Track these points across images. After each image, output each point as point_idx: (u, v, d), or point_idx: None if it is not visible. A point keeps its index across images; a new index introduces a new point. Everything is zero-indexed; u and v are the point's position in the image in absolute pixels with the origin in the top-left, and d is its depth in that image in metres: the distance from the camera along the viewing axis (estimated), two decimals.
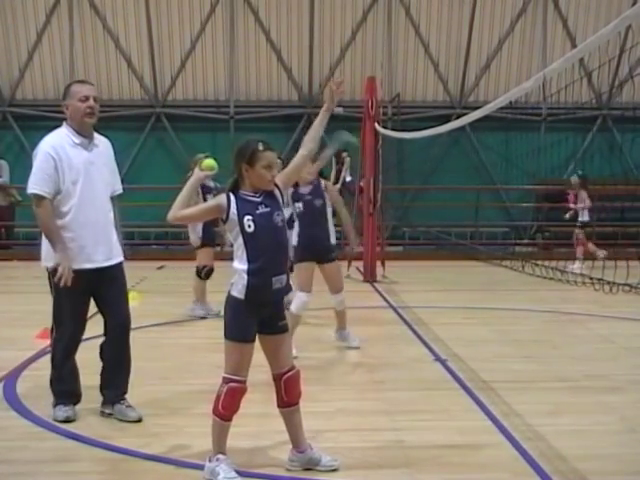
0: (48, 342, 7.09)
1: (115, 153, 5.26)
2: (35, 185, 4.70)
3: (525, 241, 18.00)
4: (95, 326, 8.01)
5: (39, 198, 4.69)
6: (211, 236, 8.80)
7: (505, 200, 18.42)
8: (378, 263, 12.51)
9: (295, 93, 18.15)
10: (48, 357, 6.61)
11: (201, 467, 4.03)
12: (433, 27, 17.96)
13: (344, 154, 16.69)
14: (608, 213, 16.87)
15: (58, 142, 4.80)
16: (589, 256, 13.07)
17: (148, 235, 17.06)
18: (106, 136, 5.15)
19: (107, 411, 4.93)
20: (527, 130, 17.62)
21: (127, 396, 5.04)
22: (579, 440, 4.49)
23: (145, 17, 17.30)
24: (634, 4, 16.88)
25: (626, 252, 11.77)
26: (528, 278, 12.48)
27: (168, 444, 4.38)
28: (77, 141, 4.83)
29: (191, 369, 6.29)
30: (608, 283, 9.04)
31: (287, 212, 4.38)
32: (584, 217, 13.82)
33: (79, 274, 4.71)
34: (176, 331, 7.98)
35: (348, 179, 16.21)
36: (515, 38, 18.14)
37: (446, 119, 13.47)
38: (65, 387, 4.96)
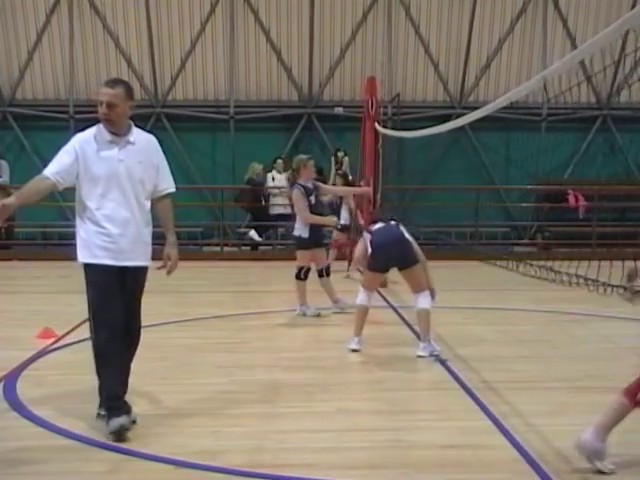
0: (48, 342, 7.13)
1: None
2: (47, 168, 4.81)
3: (525, 241, 18.00)
4: None
5: (42, 174, 4.77)
6: (315, 238, 8.90)
7: (505, 200, 18.42)
8: None
9: (295, 93, 18.15)
10: (48, 357, 6.68)
11: (201, 467, 4.04)
12: (433, 27, 17.97)
13: (340, 154, 16.71)
14: (608, 213, 16.90)
15: (88, 138, 4.78)
16: None
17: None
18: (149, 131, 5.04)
19: (102, 413, 4.83)
20: (527, 130, 17.63)
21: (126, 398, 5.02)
22: None
23: (145, 17, 17.30)
24: (634, 4, 16.90)
25: (626, 252, 11.78)
26: (528, 278, 12.46)
27: (168, 444, 4.38)
28: (108, 138, 4.75)
29: (191, 369, 6.28)
30: (603, 284, 9.04)
31: None
32: None
33: (103, 268, 4.64)
34: (176, 331, 7.97)
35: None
36: (515, 38, 18.14)
37: (446, 119, 13.44)
38: (116, 393, 4.69)
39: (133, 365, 6.40)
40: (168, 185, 5.03)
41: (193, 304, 9.68)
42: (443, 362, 6.40)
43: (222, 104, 18.08)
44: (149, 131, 5.04)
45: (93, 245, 4.66)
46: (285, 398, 5.02)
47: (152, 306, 9.16)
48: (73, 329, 7.81)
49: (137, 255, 4.81)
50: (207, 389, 5.60)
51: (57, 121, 17.61)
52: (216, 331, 7.93)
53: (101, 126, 4.80)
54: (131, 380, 5.87)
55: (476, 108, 8.45)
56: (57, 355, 6.79)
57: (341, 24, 17.83)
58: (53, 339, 7.27)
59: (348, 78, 18.08)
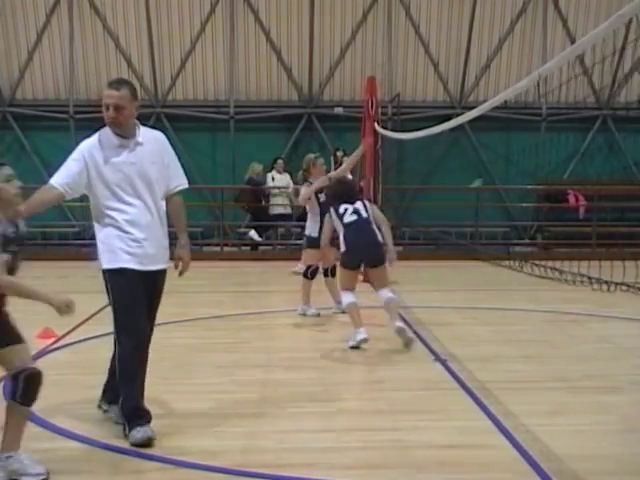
0: (48, 342, 7.13)
1: None
2: (54, 177, 4.63)
3: (525, 241, 18.00)
4: (96, 326, 8.05)
5: (49, 184, 4.60)
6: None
7: (505, 200, 18.42)
8: None
9: (295, 93, 18.14)
10: (48, 357, 6.68)
11: (201, 467, 4.04)
12: (433, 27, 17.96)
13: (339, 153, 16.71)
14: (608, 213, 16.90)
15: (95, 144, 4.61)
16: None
17: None
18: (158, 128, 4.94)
19: (104, 407, 4.83)
20: (527, 130, 17.65)
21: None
22: (579, 440, 4.49)
23: (145, 17, 17.30)
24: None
25: (625, 252, 11.79)
26: (528, 278, 12.48)
27: (168, 444, 4.38)
28: (116, 142, 4.60)
29: (191, 369, 6.29)
30: (606, 282, 9.04)
31: None
32: None
33: (130, 274, 4.54)
34: (176, 331, 7.97)
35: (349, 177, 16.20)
36: (515, 38, 18.14)
37: (446, 119, 13.44)
38: (137, 405, 4.57)
39: None
40: (180, 181, 4.87)
41: (193, 304, 9.68)
42: (443, 362, 6.40)
43: (222, 104, 18.07)
44: (152, 127, 4.97)
45: (118, 249, 4.56)
46: (285, 398, 5.02)
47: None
48: (73, 329, 7.82)
49: (160, 258, 4.74)
50: (207, 389, 5.60)
51: (57, 121, 17.61)
52: (216, 331, 7.93)
53: (107, 130, 4.64)
54: None
55: (476, 108, 8.46)
56: (57, 355, 6.79)
57: (341, 24, 17.82)
58: (53, 339, 7.27)
59: (348, 78, 18.07)
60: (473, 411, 5.06)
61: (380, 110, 13.84)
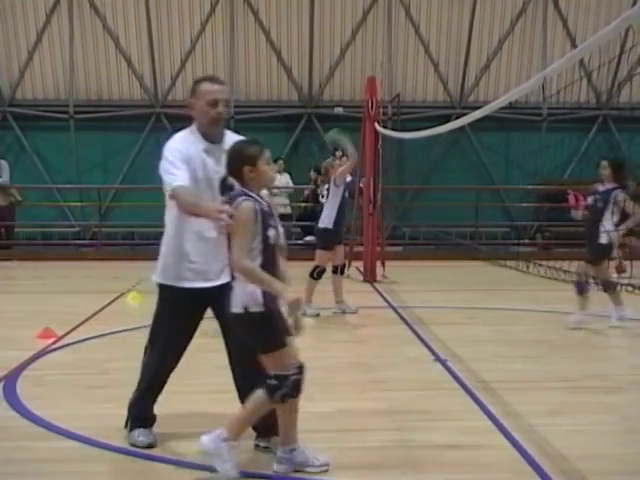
0: (48, 342, 7.13)
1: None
2: (172, 175, 4.11)
3: (525, 241, 18.00)
4: (96, 326, 8.05)
5: (180, 188, 4.05)
6: (339, 233, 9.00)
7: (505, 200, 18.42)
8: (378, 263, 12.50)
9: (295, 93, 18.15)
10: (48, 357, 6.68)
11: (201, 467, 4.04)
12: (433, 27, 17.97)
13: (338, 153, 16.70)
14: None
15: (186, 143, 4.25)
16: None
17: (148, 235, 17.05)
18: (237, 131, 4.55)
19: (262, 444, 4.34)
20: (527, 130, 17.66)
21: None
22: (579, 440, 4.49)
23: (145, 17, 17.31)
24: (634, 4, 16.90)
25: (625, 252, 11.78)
26: (528, 278, 12.48)
27: (168, 444, 4.38)
28: (202, 146, 4.23)
29: (191, 369, 6.25)
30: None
31: None
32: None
33: (178, 291, 4.29)
34: None
35: (348, 179, 16.19)
36: (515, 38, 18.15)
37: (446, 119, 13.46)
38: (147, 411, 4.52)
39: (133, 364, 6.42)
40: None
41: None
42: (443, 362, 6.40)
43: None
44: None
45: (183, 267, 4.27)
46: None
47: (152, 306, 9.19)
48: (73, 329, 7.82)
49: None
50: (207, 389, 5.60)
51: (57, 121, 17.62)
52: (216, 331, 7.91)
53: (196, 132, 4.28)
54: (131, 380, 5.88)
55: (476, 108, 8.46)
56: (57, 355, 6.78)
57: (341, 24, 17.83)
58: (53, 339, 7.26)
59: (348, 78, 18.08)
60: (473, 411, 5.06)
61: (380, 110, 13.84)
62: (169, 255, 4.34)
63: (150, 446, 4.33)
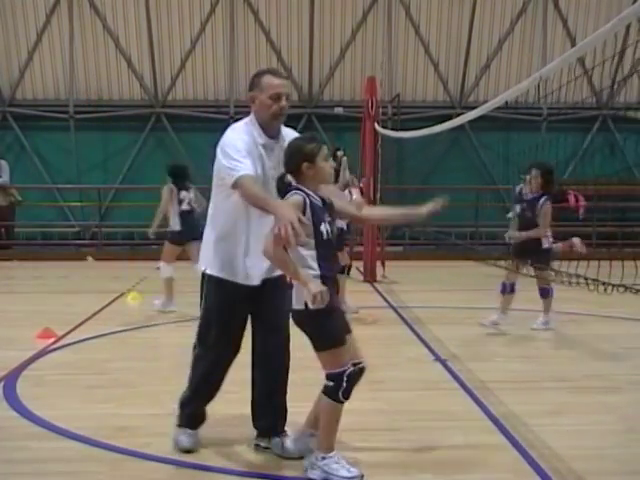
0: (48, 342, 7.13)
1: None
2: (233, 170, 3.89)
3: None
4: (96, 326, 8.05)
5: (244, 177, 3.86)
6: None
7: (505, 200, 18.41)
8: (378, 263, 12.51)
9: (295, 93, 18.14)
10: (48, 357, 6.68)
11: (201, 467, 4.04)
12: (433, 27, 17.97)
13: (339, 153, 16.70)
14: (608, 213, 16.89)
15: (245, 137, 4.05)
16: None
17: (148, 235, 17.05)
18: (292, 126, 4.36)
19: (263, 444, 4.28)
20: (527, 130, 17.63)
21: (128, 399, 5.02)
22: (579, 440, 4.49)
23: (145, 17, 17.30)
24: (634, 3, 16.90)
25: (625, 252, 11.79)
26: (527, 278, 12.46)
27: (168, 444, 4.37)
28: (261, 141, 4.08)
29: None
30: (603, 284, 9.01)
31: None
32: None
33: (234, 284, 4.18)
34: (176, 331, 7.97)
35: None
36: (515, 38, 18.15)
37: (446, 119, 13.43)
38: (196, 411, 4.38)
39: (133, 364, 6.43)
40: None
41: (193, 304, 9.65)
42: (443, 362, 6.40)
43: (222, 104, 18.07)
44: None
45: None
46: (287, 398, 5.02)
47: (152, 306, 9.20)
48: (73, 329, 7.82)
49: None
50: None
51: (57, 121, 17.62)
52: None
53: (255, 124, 4.12)
54: (131, 380, 5.90)
55: (476, 108, 8.45)
56: (57, 355, 6.79)
57: (341, 24, 17.83)
58: (53, 339, 7.27)
59: (348, 78, 18.08)
60: (473, 411, 5.06)
61: (380, 110, 13.85)
62: (227, 249, 4.16)
63: (189, 451, 4.23)
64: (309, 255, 3.79)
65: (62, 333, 7.52)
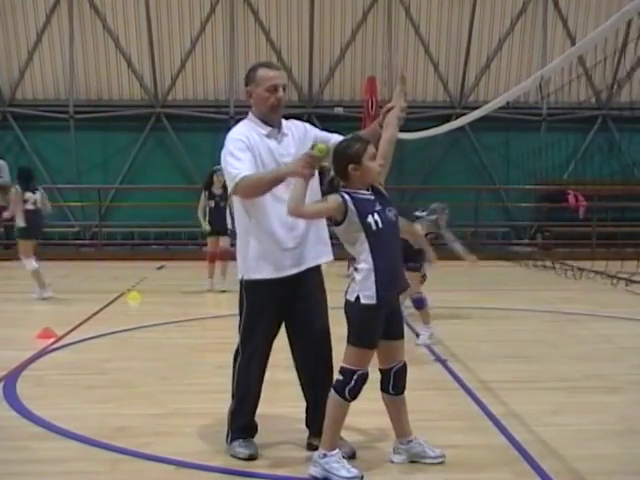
0: (48, 342, 7.13)
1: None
2: (235, 169, 3.94)
3: (525, 241, 18.00)
4: (96, 326, 8.05)
5: (242, 179, 3.90)
6: None
7: (505, 200, 18.42)
8: None
9: (295, 93, 18.14)
10: (48, 357, 6.68)
11: (201, 467, 4.04)
12: (433, 27, 17.97)
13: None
14: (608, 213, 16.90)
15: (247, 131, 4.12)
16: None
17: (148, 235, 17.07)
18: (298, 117, 4.55)
19: (315, 443, 4.14)
20: (527, 130, 17.65)
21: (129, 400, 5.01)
22: (579, 440, 4.49)
23: (145, 17, 17.30)
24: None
25: (625, 252, 11.79)
26: (528, 278, 12.48)
27: (168, 444, 4.38)
28: (264, 132, 4.13)
29: (191, 369, 6.28)
30: (609, 276, 9.02)
31: None
32: None
33: (271, 283, 4.11)
34: (176, 331, 7.97)
35: None
36: (515, 38, 18.15)
37: (446, 119, 13.48)
38: (247, 420, 4.27)
39: (133, 364, 6.43)
40: (335, 135, 4.45)
41: (193, 304, 9.68)
42: (443, 362, 6.40)
43: (222, 104, 18.07)
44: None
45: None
46: (285, 398, 5.01)
47: (152, 306, 9.21)
48: (73, 329, 7.82)
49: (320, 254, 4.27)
50: (207, 389, 5.60)
51: (57, 121, 17.61)
52: (216, 331, 7.92)
53: (254, 119, 4.20)
54: (131, 380, 5.90)
55: (476, 108, 8.48)
56: (57, 355, 6.79)
57: (341, 24, 17.83)
58: (53, 339, 7.27)
59: (348, 78, 18.08)
60: (473, 411, 5.06)
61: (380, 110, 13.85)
62: (258, 248, 4.09)
63: (251, 457, 4.13)
64: (362, 249, 3.84)
65: (62, 333, 7.52)
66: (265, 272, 4.11)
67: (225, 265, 11.00)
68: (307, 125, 4.48)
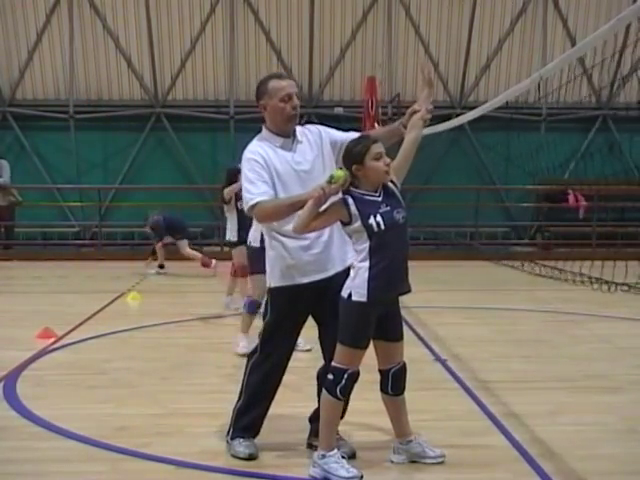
0: (48, 342, 7.13)
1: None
2: (249, 195, 3.97)
3: (525, 241, 18.00)
4: (96, 326, 8.05)
5: (257, 207, 3.96)
6: None
7: (505, 200, 18.42)
8: None
9: None
10: (48, 357, 6.68)
11: (201, 467, 4.04)
12: (433, 27, 17.96)
13: None
14: (608, 213, 16.90)
15: (261, 148, 4.12)
16: None
17: (148, 235, 17.06)
18: (316, 122, 4.53)
19: (315, 443, 4.14)
20: (527, 130, 17.63)
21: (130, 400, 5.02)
22: (579, 440, 4.49)
23: (145, 17, 17.30)
24: (634, 3, 16.89)
25: (626, 252, 11.79)
26: (528, 278, 12.48)
27: (168, 444, 4.38)
28: (278, 144, 4.15)
29: (191, 369, 6.28)
30: (607, 282, 9.04)
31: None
32: None
33: (298, 289, 4.09)
34: (176, 331, 7.97)
35: None
36: (515, 38, 18.14)
37: (446, 119, 13.45)
38: (251, 420, 4.26)
39: (133, 364, 6.43)
40: (351, 133, 4.40)
41: (193, 304, 9.68)
42: (443, 362, 6.40)
43: (222, 104, 18.07)
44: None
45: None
46: (285, 398, 5.01)
47: (152, 306, 9.21)
48: (73, 329, 7.82)
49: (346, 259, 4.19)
50: (207, 389, 5.61)
51: (57, 121, 17.61)
52: (216, 331, 7.93)
53: (268, 133, 4.20)
54: (131, 380, 5.90)
55: (476, 108, 8.47)
56: (57, 355, 6.79)
57: (341, 24, 17.82)
58: (53, 339, 7.27)
59: (348, 78, 18.07)
60: (473, 411, 5.06)
61: (380, 110, 13.85)
62: (288, 253, 4.08)
63: (251, 457, 4.13)
64: (362, 248, 3.87)
65: (62, 333, 7.52)
66: (291, 278, 4.11)
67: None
68: (321, 127, 4.47)
